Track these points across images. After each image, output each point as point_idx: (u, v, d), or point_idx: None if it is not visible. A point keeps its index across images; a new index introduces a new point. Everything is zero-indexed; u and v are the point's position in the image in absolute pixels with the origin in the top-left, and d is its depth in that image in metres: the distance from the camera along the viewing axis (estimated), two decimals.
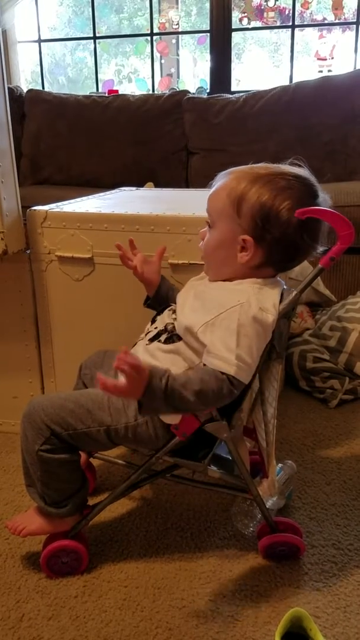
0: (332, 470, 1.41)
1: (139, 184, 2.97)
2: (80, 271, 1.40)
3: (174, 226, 1.30)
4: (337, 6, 3.78)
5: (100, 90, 4.10)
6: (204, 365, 0.93)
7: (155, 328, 1.07)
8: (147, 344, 1.06)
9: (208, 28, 3.66)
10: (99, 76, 4.18)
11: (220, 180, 1.02)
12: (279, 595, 1.04)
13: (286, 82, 3.74)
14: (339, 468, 1.42)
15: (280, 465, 1.28)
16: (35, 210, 1.40)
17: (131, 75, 5.03)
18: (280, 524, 1.12)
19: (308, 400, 1.79)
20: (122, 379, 0.87)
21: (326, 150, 2.94)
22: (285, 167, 0.99)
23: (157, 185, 2.92)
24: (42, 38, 4.10)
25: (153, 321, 1.11)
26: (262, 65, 4.93)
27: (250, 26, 3.93)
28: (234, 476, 1.10)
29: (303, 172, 0.99)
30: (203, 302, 0.99)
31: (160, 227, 1.31)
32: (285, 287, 1.03)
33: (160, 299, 1.18)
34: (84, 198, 1.66)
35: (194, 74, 4.48)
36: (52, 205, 1.46)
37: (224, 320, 0.92)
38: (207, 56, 3.73)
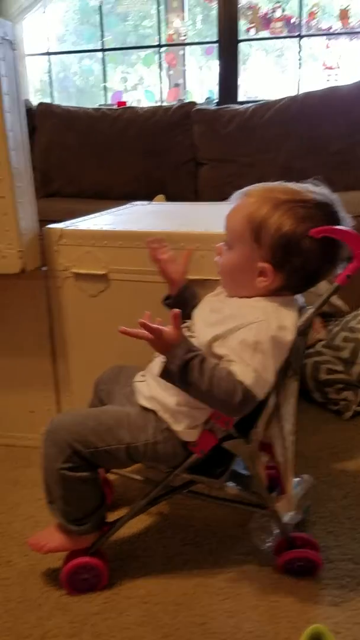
0: (348, 483, 1.42)
1: (149, 195, 2.99)
2: (95, 287, 1.42)
3: (187, 242, 1.32)
4: (344, 15, 3.80)
5: (108, 101, 4.14)
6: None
7: None
8: (163, 361, 1.07)
9: (215, 38, 3.69)
10: (106, 85, 4.21)
11: (239, 200, 1.01)
12: (298, 610, 1.04)
13: (292, 89, 3.77)
14: (354, 481, 1.43)
15: (297, 479, 1.28)
16: (51, 228, 1.42)
17: (137, 84, 5.07)
18: (297, 539, 1.13)
19: (322, 412, 1.79)
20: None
21: (335, 159, 2.95)
22: (306, 191, 0.97)
23: (167, 196, 2.94)
24: (49, 49, 4.14)
25: None
26: (267, 72, 4.95)
27: (257, 36, 3.96)
28: (252, 492, 1.10)
29: (324, 196, 0.98)
30: (220, 317, 1.00)
31: (174, 243, 1.32)
32: (301, 304, 1.04)
33: (181, 300, 1.17)
34: (97, 214, 1.67)
35: (198, 79, 4.49)
36: (68, 223, 1.49)
37: (240, 334, 0.93)
38: (214, 66, 3.76)
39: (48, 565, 1.16)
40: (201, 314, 1.06)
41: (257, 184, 1.03)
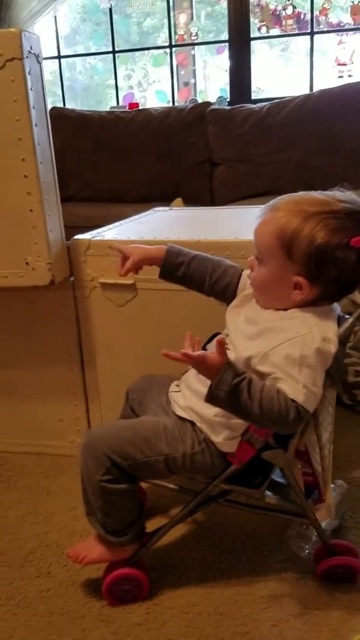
0: None
1: (165, 197, 2.99)
2: (123, 297, 1.43)
3: (216, 251, 1.31)
4: (356, 11, 3.77)
5: (119, 102, 4.14)
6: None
7: None
8: (198, 373, 1.07)
9: (224, 35, 3.67)
10: (110, 82, 4.21)
11: (267, 214, 0.98)
12: (340, 618, 1.04)
13: (304, 86, 3.75)
14: None
15: (332, 485, 1.28)
16: (79, 239, 1.43)
17: (142, 81, 5.06)
18: (337, 546, 1.13)
19: (351, 415, 1.78)
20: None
21: (352, 157, 2.94)
22: (335, 200, 0.95)
23: (183, 197, 2.93)
24: (58, 51, 4.14)
25: (204, 349, 1.12)
26: (277, 68, 4.92)
27: (269, 34, 3.94)
28: (290, 501, 1.10)
29: (354, 203, 0.95)
30: (258, 329, 0.99)
31: (203, 251, 1.32)
32: (338, 312, 1.03)
33: (169, 268, 1.13)
34: (121, 222, 1.68)
35: (204, 76, 4.47)
36: (94, 233, 1.49)
37: (284, 349, 0.92)
38: (225, 64, 3.75)
39: (87, 576, 1.17)
40: (236, 324, 1.06)
41: (282, 197, 0.99)
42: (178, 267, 1.12)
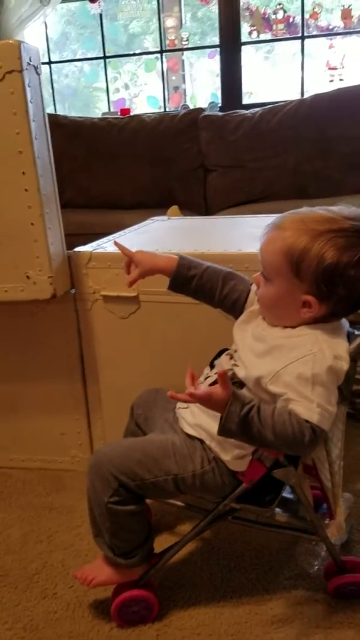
0: None
1: (159, 203, 2.97)
2: (126, 309, 1.41)
3: (220, 263, 1.29)
4: (347, 15, 3.78)
5: (111, 107, 4.12)
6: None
7: (216, 374, 1.07)
8: (210, 384, 1.06)
9: (209, 37, 3.67)
10: (97, 85, 4.18)
11: (272, 232, 0.96)
12: (355, 636, 1.03)
13: (293, 88, 3.75)
14: None
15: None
16: (80, 252, 1.41)
17: (129, 83, 5.04)
18: (347, 563, 1.12)
19: (353, 424, 1.77)
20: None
21: (346, 162, 2.94)
22: (341, 218, 0.93)
23: (177, 204, 2.91)
24: (47, 56, 4.12)
25: (212, 365, 1.11)
26: (267, 73, 4.92)
27: (259, 38, 3.94)
28: (301, 518, 1.09)
29: (357, 219, 0.93)
30: (267, 347, 0.98)
31: None
32: (348, 328, 1.02)
33: (181, 279, 1.10)
34: (121, 233, 1.66)
35: (191, 79, 4.46)
36: (94, 245, 1.47)
37: (295, 368, 0.91)
38: (214, 68, 3.74)
39: (95, 597, 1.15)
40: (244, 341, 1.04)
41: (286, 214, 0.97)
42: (190, 280, 1.10)
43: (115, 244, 1.17)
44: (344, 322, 1.02)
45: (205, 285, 1.10)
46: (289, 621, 1.07)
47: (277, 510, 1.08)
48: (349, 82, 3.68)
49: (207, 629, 1.07)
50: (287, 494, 1.12)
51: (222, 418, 0.90)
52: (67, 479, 1.54)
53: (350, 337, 0.99)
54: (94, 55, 4.22)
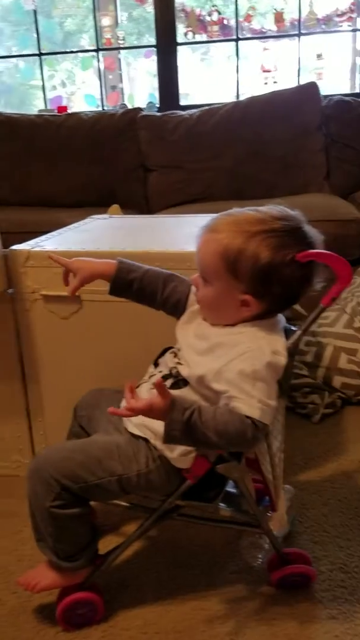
0: (326, 489, 1.44)
1: (99, 202, 2.94)
2: (67, 309, 1.39)
3: (162, 262, 1.29)
4: (279, 18, 3.87)
5: (48, 106, 4.05)
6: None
7: (160, 372, 1.07)
8: (151, 388, 1.06)
9: (146, 37, 3.67)
10: (33, 83, 4.10)
11: (207, 235, 0.98)
12: (297, 627, 1.05)
13: (228, 89, 3.80)
14: (332, 486, 1.46)
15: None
16: (17, 250, 1.38)
17: (66, 81, 4.98)
18: (290, 554, 1.14)
19: (291, 417, 1.81)
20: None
21: (280, 164, 3.01)
22: (272, 218, 0.95)
23: (118, 203, 2.90)
24: None
25: (156, 364, 1.11)
26: (197, 70, 4.98)
27: (195, 39, 3.97)
28: (244, 512, 1.11)
29: (291, 220, 0.97)
30: (209, 345, 0.99)
31: (149, 263, 1.29)
32: (284, 323, 1.05)
33: (121, 284, 1.10)
34: (60, 231, 1.63)
35: (129, 78, 4.46)
36: (32, 243, 1.44)
37: (236, 366, 0.92)
38: (151, 68, 3.74)
39: (39, 602, 1.13)
40: (186, 340, 1.04)
41: (218, 216, 0.99)
42: (130, 284, 1.10)
43: (50, 257, 1.15)
44: (281, 318, 1.04)
45: (146, 289, 1.10)
46: (233, 615, 1.08)
47: (221, 505, 1.09)
48: (282, 84, 3.77)
49: (154, 627, 1.07)
50: (230, 488, 1.14)
51: (166, 426, 0.91)
52: (9, 484, 1.50)
53: (287, 333, 1.02)
54: (29, 52, 4.13)
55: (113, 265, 1.10)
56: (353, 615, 1.07)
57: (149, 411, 0.90)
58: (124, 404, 1.11)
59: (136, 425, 1.05)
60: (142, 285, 1.10)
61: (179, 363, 1.03)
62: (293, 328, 1.04)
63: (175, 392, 1.01)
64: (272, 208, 0.98)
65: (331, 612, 1.08)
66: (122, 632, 1.06)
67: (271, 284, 0.95)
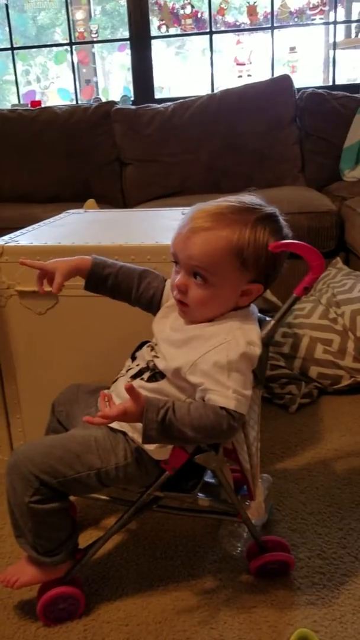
0: (303, 477, 1.47)
1: (75, 197, 2.93)
2: (43, 305, 1.38)
3: (138, 255, 1.30)
4: (252, 12, 3.88)
5: (21, 101, 4.01)
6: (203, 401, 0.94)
7: (137, 365, 1.07)
8: (129, 381, 1.06)
9: (120, 31, 3.64)
10: (7, 78, 4.04)
11: (201, 233, 0.94)
12: (277, 614, 1.07)
13: (202, 82, 3.79)
14: (309, 475, 1.48)
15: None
16: None
17: (40, 76, 4.92)
18: (268, 542, 1.16)
19: (269, 407, 1.84)
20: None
21: (255, 157, 3.01)
22: (253, 204, 0.97)
23: (94, 197, 2.88)
24: None
25: (133, 357, 1.11)
26: (171, 63, 4.96)
27: (168, 33, 3.96)
28: (222, 501, 1.12)
29: (269, 207, 0.99)
30: (184, 337, 1.00)
31: (125, 257, 1.30)
32: (257, 314, 1.06)
33: (96, 280, 1.10)
34: (35, 226, 1.62)
35: (103, 72, 4.43)
36: (6, 238, 1.43)
37: (211, 358, 0.93)
38: (125, 62, 3.72)
39: (20, 598, 1.13)
40: (162, 334, 1.05)
41: (201, 212, 0.96)
42: (105, 279, 1.10)
43: (23, 263, 1.14)
44: (254, 308, 1.05)
45: (122, 284, 1.11)
46: (214, 604, 1.10)
47: (200, 495, 1.10)
48: (256, 77, 3.78)
49: (135, 619, 1.07)
50: (208, 478, 1.15)
51: (143, 427, 0.92)
52: None
53: (261, 324, 1.03)
54: (1, 47, 4.07)
55: (88, 260, 1.10)
56: (331, 600, 1.09)
57: (123, 416, 0.91)
58: None
59: None
60: (117, 281, 1.10)
61: (155, 356, 1.04)
62: (267, 318, 1.05)
63: (152, 385, 1.02)
64: (243, 196, 1.00)
65: (310, 597, 1.10)
66: (104, 624, 1.06)
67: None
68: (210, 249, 0.94)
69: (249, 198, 0.99)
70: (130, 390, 0.90)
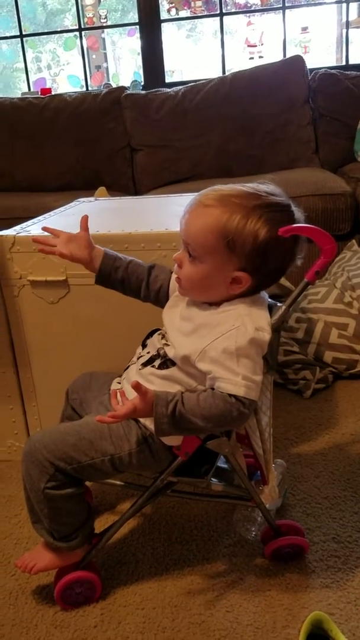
0: (318, 462, 1.46)
1: (86, 185, 2.93)
2: (55, 294, 1.39)
3: (148, 243, 1.30)
4: None
5: (32, 89, 4.00)
6: (212, 389, 0.95)
7: (148, 352, 1.07)
8: (140, 369, 1.06)
9: (130, 14, 3.60)
10: (17, 65, 4.03)
11: (198, 209, 0.96)
12: (292, 597, 1.08)
13: (214, 65, 3.74)
14: (324, 459, 1.47)
15: (272, 466, 1.31)
16: (2, 235, 1.37)
17: (51, 63, 4.90)
18: (283, 526, 1.16)
19: (283, 393, 1.83)
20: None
21: (268, 139, 2.98)
22: (264, 193, 0.96)
23: (105, 184, 2.88)
24: None
25: (144, 345, 1.11)
26: (182, 46, 4.90)
27: (178, 16, 3.92)
28: (236, 486, 1.12)
29: (282, 196, 0.97)
30: (193, 326, 0.99)
31: (135, 244, 1.31)
32: (267, 300, 1.05)
33: (107, 271, 1.11)
34: (46, 215, 1.63)
35: (114, 57, 4.40)
36: (18, 228, 1.44)
37: (220, 344, 0.93)
38: (135, 46, 3.68)
39: (37, 583, 1.15)
40: (172, 323, 1.04)
41: (207, 191, 0.97)
42: (116, 271, 1.10)
43: (35, 240, 1.14)
44: (264, 294, 1.05)
45: (131, 277, 1.11)
46: (229, 587, 1.11)
47: (213, 480, 1.11)
48: (267, 59, 3.73)
49: (151, 603, 1.09)
50: (221, 463, 1.16)
51: (155, 421, 0.93)
52: (4, 469, 1.52)
53: (272, 309, 1.02)
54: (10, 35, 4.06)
55: (101, 250, 1.11)
56: (346, 583, 1.09)
57: (133, 412, 0.92)
58: (114, 385, 1.13)
59: None
60: (127, 274, 1.11)
61: (166, 344, 1.04)
62: (278, 304, 1.05)
63: (164, 372, 1.02)
64: (260, 184, 0.98)
65: (324, 581, 1.10)
66: (120, 608, 1.08)
67: (268, 260, 0.95)
68: (199, 226, 0.95)
69: (266, 186, 0.97)
70: (137, 387, 0.91)
